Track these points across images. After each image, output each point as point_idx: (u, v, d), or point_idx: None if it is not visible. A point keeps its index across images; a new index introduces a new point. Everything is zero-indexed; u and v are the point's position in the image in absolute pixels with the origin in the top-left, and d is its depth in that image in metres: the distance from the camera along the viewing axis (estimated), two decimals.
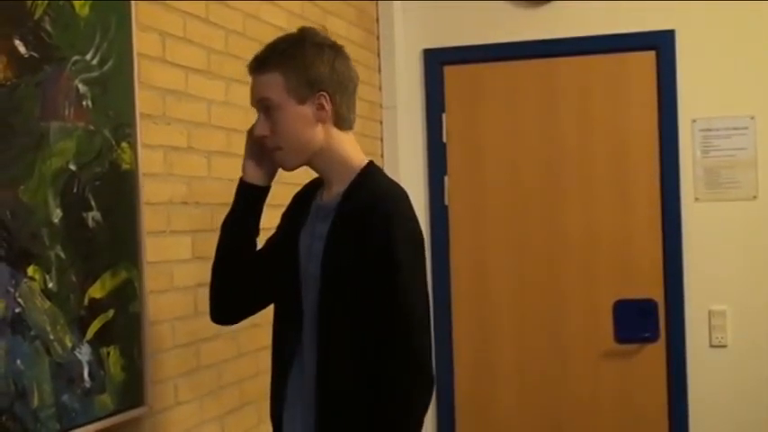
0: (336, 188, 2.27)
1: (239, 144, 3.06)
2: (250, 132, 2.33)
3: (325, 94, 2.22)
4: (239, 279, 2.38)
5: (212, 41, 2.97)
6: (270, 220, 2.44)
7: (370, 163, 2.31)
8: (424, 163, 4.64)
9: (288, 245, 2.33)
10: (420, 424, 2.17)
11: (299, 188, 2.47)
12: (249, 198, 2.35)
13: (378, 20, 4.49)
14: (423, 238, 2.25)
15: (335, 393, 2.19)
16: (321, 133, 2.24)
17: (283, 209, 2.46)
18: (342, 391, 2.18)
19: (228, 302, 2.42)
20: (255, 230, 2.37)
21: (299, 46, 2.24)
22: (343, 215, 2.21)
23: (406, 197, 2.25)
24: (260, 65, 2.25)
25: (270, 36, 3.33)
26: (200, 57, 2.90)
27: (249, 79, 3.17)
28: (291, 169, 2.31)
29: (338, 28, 3.94)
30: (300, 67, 2.21)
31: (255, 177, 2.35)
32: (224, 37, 3.05)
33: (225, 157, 3.01)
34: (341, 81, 2.25)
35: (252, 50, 3.20)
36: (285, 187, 2.48)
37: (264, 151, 2.30)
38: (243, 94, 3.14)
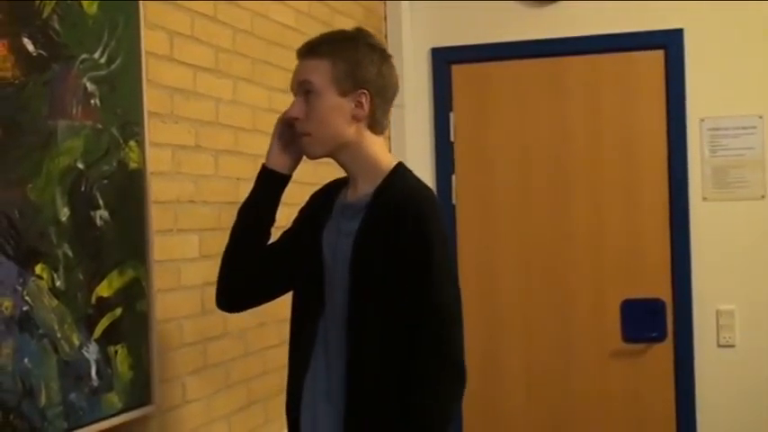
0: (364, 187, 2.27)
1: (247, 143, 3.08)
2: (280, 119, 2.33)
3: (366, 92, 2.23)
4: (250, 267, 2.38)
5: (220, 40, 2.97)
6: (282, 219, 2.43)
7: (400, 163, 2.31)
8: (432, 162, 4.63)
9: (309, 241, 2.32)
10: (451, 421, 2.19)
11: (313, 189, 2.47)
12: (269, 184, 2.35)
13: (385, 19, 4.49)
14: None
15: (366, 391, 2.18)
16: (353, 130, 2.25)
17: (296, 208, 2.46)
18: (372, 388, 2.17)
19: (236, 290, 2.42)
20: (272, 219, 2.37)
21: (353, 42, 2.26)
22: (375, 214, 2.21)
23: (436, 198, 2.28)
24: (311, 50, 2.27)
25: (278, 35, 3.35)
26: (207, 55, 2.90)
27: (258, 78, 3.20)
28: (315, 157, 2.31)
29: (346, 27, 3.93)
30: (350, 60, 2.23)
31: (278, 164, 2.35)
32: (232, 36, 3.05)
33: (232, 156, 3.02)
34: (383, 85, 2.27)
35: (259, 49, 3.23)
36: (301, 186, 2.48)
37: (293, 136, 2.30)
38: (250, 92, 3.16)
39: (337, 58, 2.22)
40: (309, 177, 2.55)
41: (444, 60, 4.64)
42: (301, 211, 2.45)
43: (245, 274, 2.39)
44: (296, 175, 2.40)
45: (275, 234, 2.42)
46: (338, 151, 2.28)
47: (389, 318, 2.17)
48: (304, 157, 2.37)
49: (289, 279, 2.39)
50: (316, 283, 2.29)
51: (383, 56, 2.29)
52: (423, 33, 4.62)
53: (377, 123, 2.28)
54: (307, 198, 2.47)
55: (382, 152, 2.31)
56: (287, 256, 2.38)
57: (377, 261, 2.18)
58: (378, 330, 2.18)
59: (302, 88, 2.26)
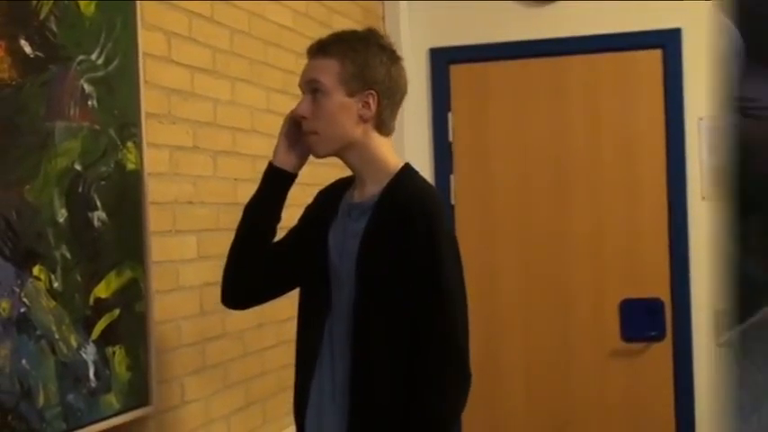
0: (371, 188, 2.27)
1: (245, 143, 3.08)
2: (288, 117, 2.33)
3: (373, 93, 2.24)
4: (255, 265, 2.38)
5: (218, 41, 2.97)
6: (285, 220, 2.43)
7: (407, 164, 2.32)
8: (430, 162, 4.63)
9: (314, 240, 2.33)
10: (456, 421, 2.19)
11: (313, 189, 2.47)
12: (275, 182, 2.36)
13: (384, 19, 4.49)
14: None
15: (370, 391, 2.18)
16: (360, 130, 2.25)
17: (297, 209, 2.46)
18: (377, 388, 2.17)
19: (240, 287, 2.42)
20: (277, 217, 2.38)
21: (363, 42, 2.27)
22: (382, 214, 2.22)
23: (442, 199, 2.29)
24: (320, 49, 2.27)
25: (275, 35, 3.36)
26: (205, 56, 2.90)
27: (256, 78, 3.20)
28: (321, 156, 2.32)
29: (344, 27, 3.93)
30: (359, 61, 2.23)
31: (285, 162, 2.35)
32: (229, 36, 3.05)
33: (230, 157, 3.02)
34: (391, 87, 2.28)
35: (257, 50, 3.23)
36: (302, 187, 2.48)
37: (300, 135, 2.30)
38: (248, 93, 3.16)
39: (346, 59, 2.23)
40: (310, 179, 2.55)
41: (443, 60, 4.64)
42: (307, 210, 2.46)
43: (250, 271, 2.39)
44: (299, 177, 2.39)
45: (279, 233, 2.42)
46: (345, 151, 2.28)
47: (395, 318, 2.17)
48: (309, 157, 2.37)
49: (293, 277, 2.39)
50: (322, 282, 2.29)
51: (393, 57, 2.30)
52: (421, 33, 4.62)
53: (383, 124, 2.29)
54: (307, 198, 2.47)
55: (389, 153, 2.31)
56: (292, 255, 2.38)
57: (384, 261, 2.19)
58: (383, 330, 2.18)
59: (310, 87, 2.26)
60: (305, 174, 2.43)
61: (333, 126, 2.24)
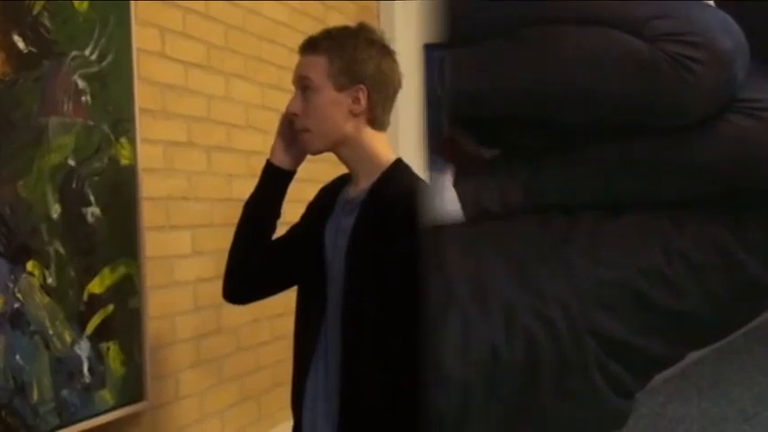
0: (363, 183, 2.27)
1: (239, 139, 3.09)
2: (284, 115, 2.34)
3: (363, 88, 2.23)
4: (256, 261, 2.38)
5: (212, 36, 2.97)
6: (289, 216, 2.43)
7: (399, 160, 2.31)
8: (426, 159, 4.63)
9: (313, 237, 2.33)
10: None
11: (307, 185, 2.47)
12: (274, 180, 2.36)
13: (378, 16, 4.49)
14: None
15: (358, 389, 2.18)
16: (351, 126, 2.25)
17: (303, 205, 2.46)
18: (364, 387, 2.17)
19: (242, 282, 2.42)
20: (277, 213, 2.38)
21: (351, 37, 2.26)
22: (369, 210, 2.21)
23: None
24: (310, 46, 2.27)
25: (270, 31, 3.36)
26: (199, 52, 2.90)
27: (251, 74, 3.20)
28: (315, 153, 2.31)
29: (339, 23, 3.93)
30: (347, 56, 2.22)
31: (282, 161, 2.35)
32: (224, 32, 3.05)
33: (225, 153, 3.02)
34: (382, 81, 2.26)
35: (252, 45, 3.23)
36: (307, 184, 2.48)
37: (294, 133, 2.31)
38: (243, 89, 3.16)
39: (334, 54, 2.22)
40: (307, 174, 2.55)
41: (438, 57, 4.64)
42: (309, 206, 2.46)
43: (251, 267, 2.39)
44: (300, 173, 2.39)
45: (280, 229, 2.42)
46: (338, 147, 2.28)
47: (381, 315, 2.17)
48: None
49: (293, 273, 2.40)
50: (318, 280, 2.29)
51: (383, 52, 2.29)
52: (416, 29, 4.62)
53: (377, 119, 2.28)
54: (303, 194, 2.47)
55: (382, 148, 2.30)
56: (292, 251, 2.39)
57: (369, 258, 2.18)
58: (371, 328, 2.18)
59: (301, 84, 2.26)
60: (301, 170, 2.44)
61: (323, 122, 2.24)
